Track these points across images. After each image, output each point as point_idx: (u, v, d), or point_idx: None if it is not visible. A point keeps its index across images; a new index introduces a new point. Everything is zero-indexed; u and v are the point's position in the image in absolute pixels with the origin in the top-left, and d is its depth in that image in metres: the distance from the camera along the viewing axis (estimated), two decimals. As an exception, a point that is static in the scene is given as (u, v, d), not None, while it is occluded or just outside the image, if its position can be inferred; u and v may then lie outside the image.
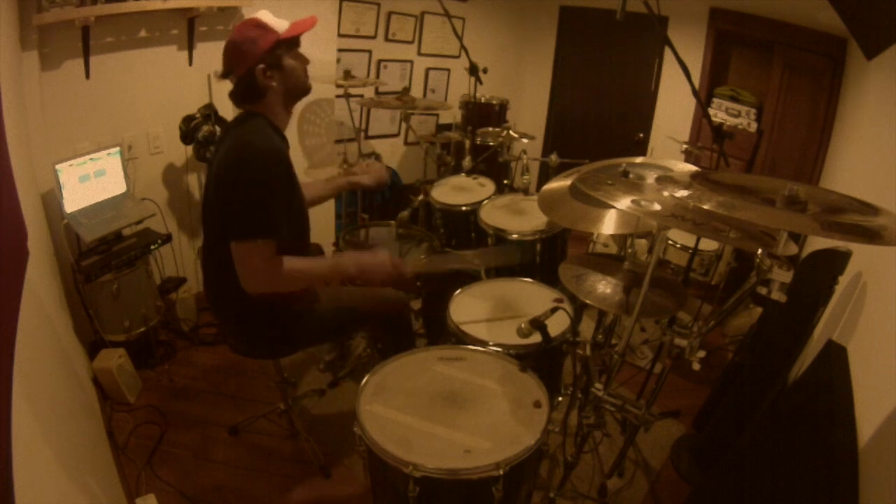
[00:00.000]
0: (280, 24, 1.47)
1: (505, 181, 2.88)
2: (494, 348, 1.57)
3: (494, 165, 2.88)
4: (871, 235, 0.90)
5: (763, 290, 1.06)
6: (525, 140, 2.72)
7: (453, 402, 1.35)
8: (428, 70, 3.76)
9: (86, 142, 2.28)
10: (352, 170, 2.08)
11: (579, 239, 3.03)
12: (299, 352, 1.78)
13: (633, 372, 2.45)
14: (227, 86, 1.51)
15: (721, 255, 2.58)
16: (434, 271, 1.95)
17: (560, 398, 1.90)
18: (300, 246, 1.63)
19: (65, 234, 2.11)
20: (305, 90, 1.57)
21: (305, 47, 1.55)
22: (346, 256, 1.58)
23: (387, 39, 3.44)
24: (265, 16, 1.46)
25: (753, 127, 3.21)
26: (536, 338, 1.43)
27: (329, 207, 3.23)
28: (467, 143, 2.78)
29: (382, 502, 1.39)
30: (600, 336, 1.91)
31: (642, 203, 1.19)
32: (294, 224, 1.57)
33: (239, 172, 1.39)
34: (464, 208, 2.41)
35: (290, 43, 1.50)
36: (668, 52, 1.89)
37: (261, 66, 1.44)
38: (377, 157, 3.55)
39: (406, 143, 3.83)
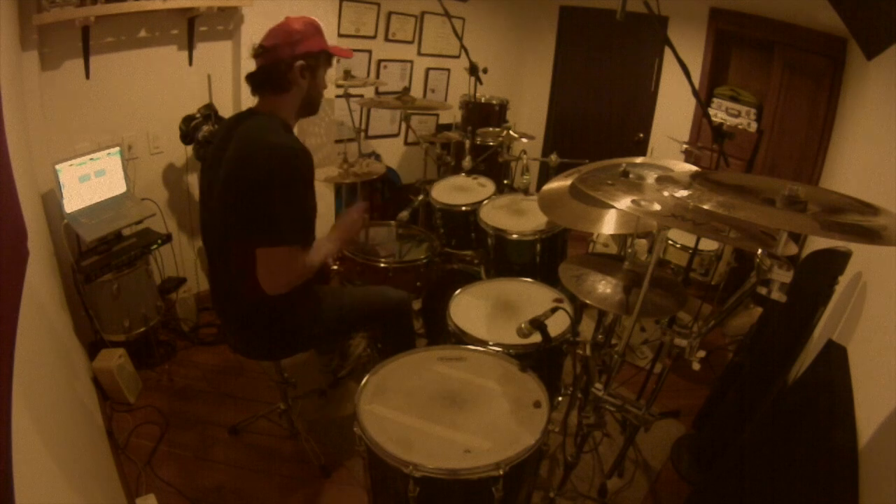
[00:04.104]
0: (328, 39, 1.54)
1: (505, 181, 2.88)
2: (494, 348, 1.57)
3: (494, 165, 2.88)
4: (871, 235, 0.90)
5: (763, 290, 1.06)
6: (525, 140, 2.72)
7: (453, 402, 1.35)
8: (428, 70, 3.76)
9: (86, 142, 2.28)
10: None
11: (579, 239, 3.03)
12: (300, 352, 1.78)
13: (633, 372, 2.45)
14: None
15: (721, 255, 2.58)
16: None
17: (560, 398, 1.90)
18: (308, 243, 1.63)
19: (65, 234, 2.11)
20: (316, 108, 1.61)
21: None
22: (330, 243, 1.59)
23: (387, 39, 3.44)
24: (321, 25, 1.52)
25: (753, 127, 3.21)
26: (536, 338, 1.43)
27: (329, 207, 3.23)
28: (467, 143, 2.78)
29: (382, 502, 1.39)
30: (600, 336, 1.90)
31: (642, 203, 1.19)
32: (310, 223, 1.56)
33: (271, 174, 1.35)
34: (464, 208, 2.41)
35: (329, 58, 1.56)
36: (668, 52, 1.89)
37: (301, 62, 1.46)
38: (377, 156, 3.55)
39: (406, 143, 3.83)
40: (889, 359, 1.14)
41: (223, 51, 2.64)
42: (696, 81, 2.88)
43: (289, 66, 1.46)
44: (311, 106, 1.59)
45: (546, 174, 2.32)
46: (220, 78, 2.63)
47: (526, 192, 2.49)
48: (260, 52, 1.48)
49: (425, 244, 2.40)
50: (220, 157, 1.46)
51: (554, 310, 1.45)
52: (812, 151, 2.89)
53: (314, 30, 1.50)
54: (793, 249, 1.45)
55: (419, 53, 3.66)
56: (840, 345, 1.40)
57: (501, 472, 1.14)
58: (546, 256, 2.15)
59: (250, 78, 1.51)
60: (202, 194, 1.63)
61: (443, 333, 1.79)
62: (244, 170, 1.39)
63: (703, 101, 3.09)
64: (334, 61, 1.68)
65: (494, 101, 3.45)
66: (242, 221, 1.40)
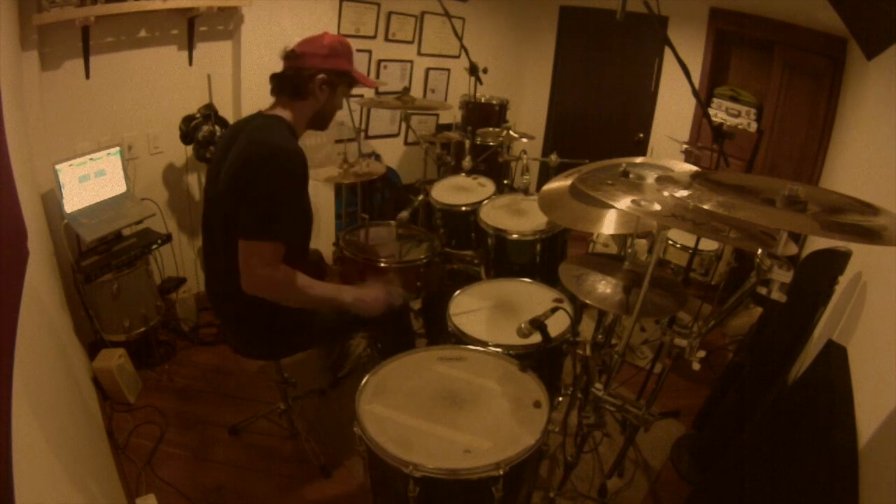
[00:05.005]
0: (357, 63, 1.61)
1: (505, 181, 2.88)
2: (494, 348, 1.57)
3: (494, 165, 2.88)
4: (871, 235, 0.90)
5: (763, 290, 1.06)
6: (525, 140, 2.72)
7: (453, 402, 1.35)
8: (428, 70, 3.76)
9: (86, 142, 2.28)
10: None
11: (579, 239, 3.03)
12: (300, 352, 1.78)
13: (633, 372, 2.45)
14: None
15: (721, 255, 2.58)
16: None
17: (560, 398, 1.90)
18: (302, 249, 1.64)
19: (65, 234, 2.11)
20: (326, 124, 1.67)
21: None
22: (346, 291, 1.60)
23: (387, 39, 3.44)
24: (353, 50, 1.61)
25: (753, 127, 3.21)
26: (536, 338, 1.43)
27: (329, 207, 3.23)
28: (467, 143, 2.78)
29: (382, 502, 1.39)
30: (600, 336, 1.90)
31: (642, 203, 1.19)
32: (303, 228, 1.58)
33: (264, 171, 1.39)
34: (464, 208, 2.41)
35: (352, 82, 1.62)
36: (668, 52, 1.89)
37: (323, 75, 1.51)
38: (377, 156, 3.55)
39: (406, 143, 3.83)
40: (889, 359, 1.14)
41: (223, 51, 2.64)
42: (696, 81, 2.89)
43: (311, 76, 1.51)
44: (322, 121, 1.63)
45: (546, 174, 2.32)
46: (220, 78, 2.62)
47: (526, 192, 2.49)
48: (290, 55, 1.52)
49: (425, 244, 2.40)
50: (226, 154, 1.49)
51: (554, 310, 1.45)
52: (812, 151, 2.89)
53: (346, 51, 1.56)
54: (793, 249, 1.45)
55: (419, 53, 3.66)
56: (840, 345, 1.40)
57: (501, 472, 1.14)
58: (546, 256, 2.15)
59: (274, 78, 1.55)
60: (206, 191, 1.65)
61: (443, 333, 1.79)
62: (244, 168, 1.41)
63: (703, 101, 3.09)
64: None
65: (494, 101, 3.45)
66: (235, 215, 1.42)
